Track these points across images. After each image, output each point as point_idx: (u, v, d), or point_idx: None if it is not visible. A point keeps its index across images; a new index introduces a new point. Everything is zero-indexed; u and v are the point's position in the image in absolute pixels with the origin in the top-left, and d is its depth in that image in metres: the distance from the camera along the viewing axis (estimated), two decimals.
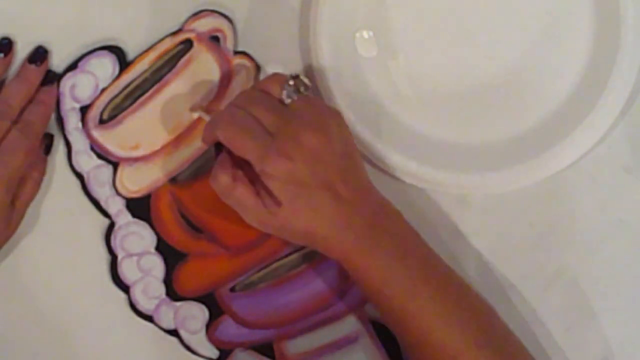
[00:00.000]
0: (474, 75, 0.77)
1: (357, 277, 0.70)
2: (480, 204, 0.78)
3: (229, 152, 0.69)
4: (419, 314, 0.69)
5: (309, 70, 0.76)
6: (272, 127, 0.68)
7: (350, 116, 0.75)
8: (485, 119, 0.77)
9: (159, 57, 0.76)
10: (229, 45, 0.76)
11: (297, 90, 0.69)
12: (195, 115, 0.75)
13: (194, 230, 0.77)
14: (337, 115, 0.70)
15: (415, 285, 0.69)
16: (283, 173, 0.67)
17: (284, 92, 0.69)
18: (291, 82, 0.69)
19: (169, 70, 0.76)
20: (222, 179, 0.69)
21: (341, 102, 0.75)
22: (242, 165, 0.69)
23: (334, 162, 0.68)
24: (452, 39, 0.77)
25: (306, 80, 0.70)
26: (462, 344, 0.68)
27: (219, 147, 0.71)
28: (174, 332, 0.77)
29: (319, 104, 0.71)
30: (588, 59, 0.77)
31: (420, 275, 0.69)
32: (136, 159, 0.76)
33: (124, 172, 0.76)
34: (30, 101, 0.74)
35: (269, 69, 0.77)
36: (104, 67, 0.76)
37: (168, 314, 0.77)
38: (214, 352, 0.77)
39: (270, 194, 0.68)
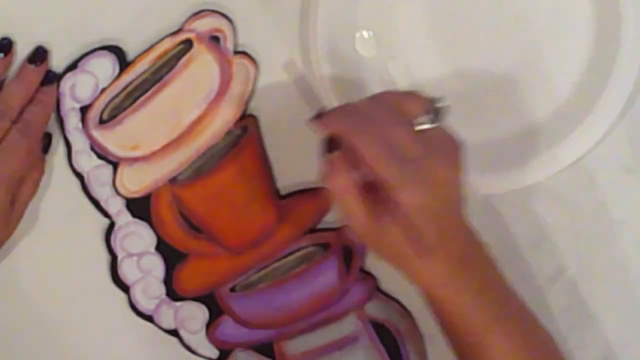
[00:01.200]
0: (474, 75, 0.77)
1: (436, 308, 0.70)
2: (480, 204, 0.78)
3: (345, 152, 0.66)
4: (492, 349, 0.69)
5: (309, 71, 0.76)
6: (410, 154, 0.65)
7: None
8: (485, 119, 0.77)
9: (159, 57, 0.76)
10: (229, 45, 0.76)
11: (436, 117, 0.66)
12: (290, 74, 0.73)
13: (194, 230, 0.77)
14: (462, 148, 0.68)
15: (492, 321, 0.68)
16: (417, 205, 0.64)
17: (426, 117, 0.66)
18: (438, 106, 0.66)
19: (169, 71, 0.76)
20: (339, 181, 0.66)
21: (341, 101, 0.75)
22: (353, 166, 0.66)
23: (452, 195, 0.67)
24: (452, 40, 0.77)
25: (442, 107, 0.67)
26: None
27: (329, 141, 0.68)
28: (174, 332, 0.77)
29: (451, 136, 0.68)
30: (588, 59, 0.77)
31: (498, 312, 0.69)
32: (136, 159, 0.76)
33: (124, 172, 0.76)
34: (30, 101, 0.74)
35: (269, 69, 0.77)
36: (104, 67, 0.75)
37: (168, 314, 0.77)
38: (214, 352, 0.77)
39: (393, 218, 0.65)
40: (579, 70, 0.77)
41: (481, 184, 0.76)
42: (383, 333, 0.78)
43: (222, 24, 0.76)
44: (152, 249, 0.77)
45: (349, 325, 0.78)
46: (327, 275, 0.77)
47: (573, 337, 0.77)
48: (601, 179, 0.78)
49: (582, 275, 0.76)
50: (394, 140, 0.64)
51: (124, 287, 0.77)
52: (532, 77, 0.77)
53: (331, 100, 0.75)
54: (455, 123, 0.77)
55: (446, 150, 0.66)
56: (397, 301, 0.79)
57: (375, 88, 0.77)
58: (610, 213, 0.79)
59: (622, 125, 0.78)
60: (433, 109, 0.66)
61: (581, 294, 0.77)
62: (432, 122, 0.66)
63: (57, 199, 0.77)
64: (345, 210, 0.66)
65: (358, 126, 0.65)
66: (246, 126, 0.77)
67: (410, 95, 0.68)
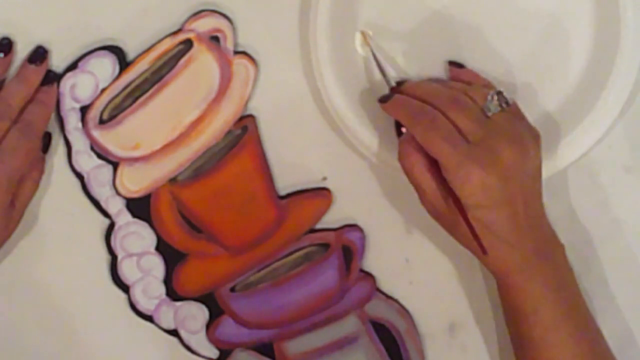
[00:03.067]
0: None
1: (507, 296, 0.71)
2: None
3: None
4: (555, 348, 0.70)
5: (309, 70, 0.76)
6: (472, 136, 0.68)
7: (350, 116, 0.75)
8: None
9: (159, 57, 0.76)
10: (229, 45, 0.76)
11: (500, 105, 0.70)
12: (363, 47, 0.74)
13: (194, 230, 0.77)
14: (536, 136, 0.71)
15: (560, 319, 0.70)
16: (475, 182, 0.67)
17: (488, 105, 0.70)
18: (495, 97, 0.70)
19: (169, 71, 0.76)
20: (409, 161, 0.69)
21: (341, 101, 0.75)
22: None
23: (523, 182, 0.69)
24: (452, 40, 0.77)
25: (508, 97, 0.70)
26: None
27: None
28: (174, 332, 0.77)
29: (522, 122, 0.71)
30: (588, 60, 0.77)
31: (566, 311, 0.70)
32: (136, 159, 0.76)
33: (124, 172, 0.76)
34: (30, 101, 0.74)
35: (269, 69, 0.77)
36: (104, 67, 0.75)
37: (168, 314, 0.77)
38: (214, 352, 0.77)
39: (453, 199, 0.68)
40: (579, 70, 0.77)
41: None
42: (383, 333, 0.78)
43: (222, 24, 0.76)
44: (152, 249, 0.77)
45: (349, 325, 0.78)
46: (327, 275, 0.77)
47: None
48: (601, 179, 0.78)
49: (582, 275, 0.76)
50: (452, 131, 0.67)
51: (124, 287, 0.77)
52: (532, 78, 0.77)
53: (331, 101, 0.75)
54: None
55: (512, 133, 0.69)
56: (397, 301, 0.79)
57: (375, 88, 0.77)
58: (610, 213, 0.79)
59: (622, 125, 0.78)
60: (498, 97, 0.69)
61: (581, 293, 0.77)
62: (491, 108, 0.69)
63: (57, 199, 0.77)
64: (417, 190, 0.70)
65: (414, 115, 0.69)
66: (246, 126, 0.77)
67: (480, 87, 0.72)
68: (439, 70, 0.77)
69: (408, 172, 0.70)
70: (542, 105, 0.77)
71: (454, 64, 0.76)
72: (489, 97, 0.70)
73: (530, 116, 0.76)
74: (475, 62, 0.77)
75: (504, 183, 0.67)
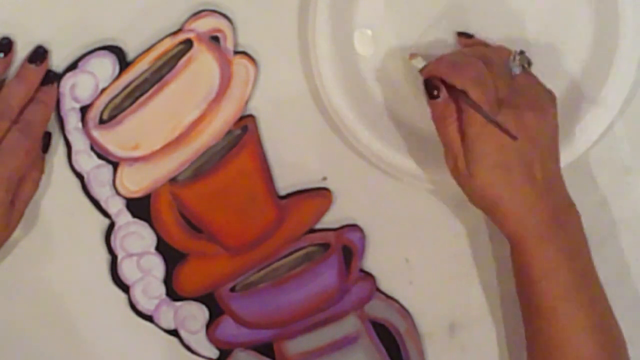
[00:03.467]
0: None
1: (520, 261, 0.71)
2: None
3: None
4: (565, 319, 0.69)
5: (308, 70, 0.76)
6: (501, 93, 0.69)
7: (349, 115, 0.75)
8: None
9: (159, 57, 0.76)
10: (229, 45, 0.76)
11: (522, 66, 0.71)
12: (416, 63, 0.74)
13: (194, 230, 0.77)
14: (554, 98, 0.72)
15: (572, 289, 0.70)
16: (495, 142, 0.68)
17: (511, 64, 0.71)
18: (517, 57, 0.71)
19: (169, 71, 0.76)
20: (448, 120, 0.70)
21: (340, 101, 0.75)
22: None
23: (541, 144, 0.69)
24: (451, 38, 0.77)
25: (529, 58, 0.72)
26: (586, 353, 0.69)
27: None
28: (174, 332, 0.77)
29: (541, 85, 0.72)
30: (587, 58, 0.77)
31: (579, 282, 0.70)
32: (136, 159, 0.76)
33: (124, 172, 0.76)
34: (30, 101, 0.74)
35: (269, 69, 0.77)
36: (104, 67, 0.75)
37: (168, 314, 0.77)
38: (214, 352, 0.77)
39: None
40: (578, 69, 0.77)
41: None
42: (383, 333, 0.78)
43: (222, 24, 0.76)
44: (152, 249, 0.77)
45: (349, 325, 0.78)
46: (327, 275, 0.77)
47: None
48: (601, 179, 0.78)
49: None
50: (492, 84, 0.68)
51: (124, 287, 0.77)
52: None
53: (331, 100, 0.75)
54: None
55: (535, 97, 0.70)
56: (397, 301, 0.79)
57: (374, 85, 0.77)
58: (610, 213, 0.79)
59: (622, 125, 0.78)
60: (520, 57, 0.71)
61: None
62: (521, 68, 0.71)
63: (57, 199, 0.76)
64: (446, 148, 0.70)
65: (455, 69, 0.69)
66: (246, 126, 0.77)
67: (500, 46, 0.73)
68: None
69: (443, 133, 0.70)
70: None
71: (463, 35, 0.76)
72: (512, 58, 0.71)
73: None
74: None
75: (523, 144, 0.68)
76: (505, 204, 0.69)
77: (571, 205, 0.71)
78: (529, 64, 0.71)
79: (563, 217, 0.70)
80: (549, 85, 0.73)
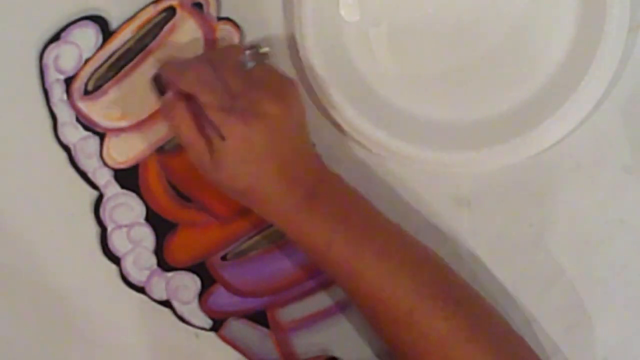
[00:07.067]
0: (455, 55, 0.76)
1: (299, 241, 0.71)
2: (480, 203, 0.77)
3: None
4: (367, 273, 0.69)
5: (292, 38, 0.76)
6: (236, 89, 0.68)
7: (326, 80, 0.74)
8: (469, 98, 0.76)
9: (142, 25, 0.75)
10: (212, 11, 0.76)
11: (255, 59, 0.71)
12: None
13: (183, 200, 0.76)
14: (295, 84, 0.71)
15: (359, 245, 0.69)
16: (239, 136, 0.67)
17: (244, 59, 0.71)
18: (248, 52, 0.71)
19: (153, 39, 0.75)
20: (177, 116, 0.69)
21: (321, 64, 0.74)
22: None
23: (289, 132, 0.69)
24: (436, 18, 0.76)
25: (264, 50, 0.72)
26: (416, 298, 0.68)
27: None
28: (166, 303, 0.77)
29: (278, 73, 0.72)
30: (573, 36, 0.76)
31: (364, 235, 0.70)
32: (122, 130, 0.76)
33: (110, 143, 0.76)
34: None
35: (253, 34, 0.76)
36: (87, 37, 0.75)
37: (160, 284, 0.77)
38: (207, 322, 0.77)
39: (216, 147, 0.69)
40: (564, 48, 0.76)
41: (466, 162, 0.76)
42: None
43: None
44: (142, 220, 0.76)
45: (341, 291, 0.77)
46: None
47: (573, 337, 0.76)
48: (601, 179, 0.77)
49: (581, 276, 0.76)
50: (218, 82, 0.68)
51: (115, 259, 0.77)
52: (517, 56, 0.76)
53: (312, 61, 0.74)
54: (436, 102, 0.76)
55: (274, 86, 0.69)
56: None
57: (356, 52, 0.76)
58: (610, 213, 0.78)
59: (622, 125, 0.77)
60: (253, 51, 0.72)
61: (580, 294, 0.76)
62: (254, 62, 0.71)
63: (44, 172, 0.76)
64: (186, 147, 0.70)
65: (179, 74, 0.69)
66: None
67: (229, 45, 0.75)
68: (422, 46, 0.76)
69: (176, 130, 0.70)
70: (526, 84, 0.76)
71: None
72: (244, 52, 0.71)
73: (516, 95, 0.76)
74: (457, 41, 0.76)
75: (269, 136, 0.68)
76: (259, 192, 0.69)
77: (326, 170, 0.72)
78: (266, 57, 0.72)
79: (323, 185, 0.70)
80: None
